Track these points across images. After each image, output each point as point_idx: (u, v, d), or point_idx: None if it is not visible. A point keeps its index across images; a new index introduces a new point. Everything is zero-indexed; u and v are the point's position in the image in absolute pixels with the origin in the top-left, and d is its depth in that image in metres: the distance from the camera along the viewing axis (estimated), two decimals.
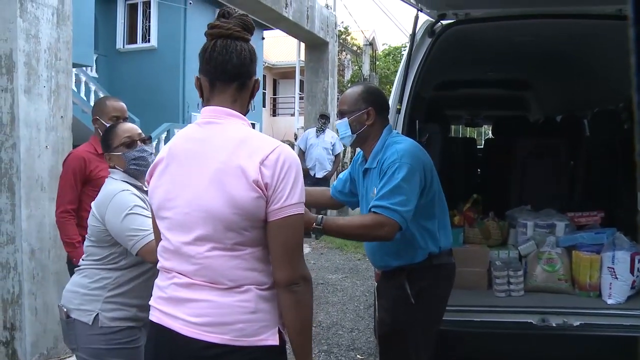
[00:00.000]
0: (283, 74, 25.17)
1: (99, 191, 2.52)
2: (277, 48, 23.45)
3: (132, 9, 16.07)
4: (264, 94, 23.48)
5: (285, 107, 25.51)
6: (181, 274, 1.52)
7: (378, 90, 2.73)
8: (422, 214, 2.40)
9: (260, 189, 1.43)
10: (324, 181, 9.11)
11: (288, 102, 24.53)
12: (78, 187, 3.11)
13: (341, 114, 2.54)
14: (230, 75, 1.54)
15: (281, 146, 1.48)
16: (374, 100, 2.51)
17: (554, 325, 3.16)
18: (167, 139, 11.25)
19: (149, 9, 15.59)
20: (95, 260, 2.19)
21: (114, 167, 2.29)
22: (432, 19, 3.45)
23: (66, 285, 2.30)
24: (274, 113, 25.74)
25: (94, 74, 13.86)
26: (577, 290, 3.60)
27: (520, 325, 3.19)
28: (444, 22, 3.44)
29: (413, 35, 3.38)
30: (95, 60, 14.15)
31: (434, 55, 3.44)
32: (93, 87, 12.30)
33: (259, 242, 1.48)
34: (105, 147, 2.31)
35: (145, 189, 2.03)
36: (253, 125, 11.60)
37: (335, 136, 9.34)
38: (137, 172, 2.27)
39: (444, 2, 3.36)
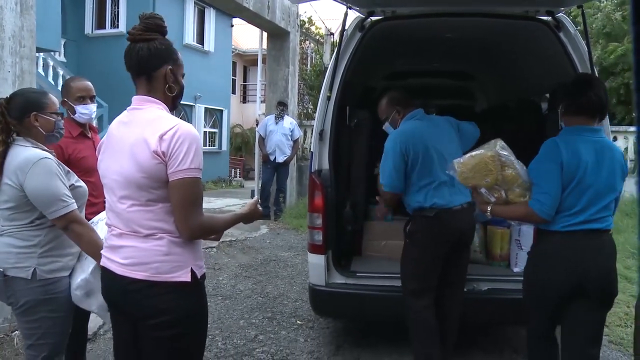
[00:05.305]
0: (254, 61, 24.99)
1: (84, 172, 2.78)
2: (247, 35, 23.05)
3: None
4: (233, 80, 23.49)
5: (256, 94, 25.38)
6: (115, 227, 1.95)
7: (397, 92, 3.56)
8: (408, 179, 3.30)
9: (159, 156, 1.80)
10: (284, 166, 9.37)
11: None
12: None
13: (383, 121, 3.51)
14: (135, 72, 1.95)
15: (180, 124, 1.84)
16: (397, 100, 3.47)
17: (465, 290, 3.59)
18: None
19: None
20: (21, 225, 2.33)
21: (19, 135, 2.37)
22: (362, 15, 3.82)
23: None
24: (244, 100, 25.77)
25: (62, 58, 13.91)
26: (490, 261, 4.04)
27: None
28: (374, 18, 3.82)
29: (343, 29, 3.76)
30: (64, 45, 14.19)
31: (364, 47, 3.82)
32: (61, 72, 12.35)
33: (167, 199, 1.85)
34: (39, 107, 2.41)
35: (51, 152, 2.41)
36: (221, 112, 11.99)
37: (294, 122, 9.59)
38: (53, 140, 2.50)
39: (372, 1, 3.73)
